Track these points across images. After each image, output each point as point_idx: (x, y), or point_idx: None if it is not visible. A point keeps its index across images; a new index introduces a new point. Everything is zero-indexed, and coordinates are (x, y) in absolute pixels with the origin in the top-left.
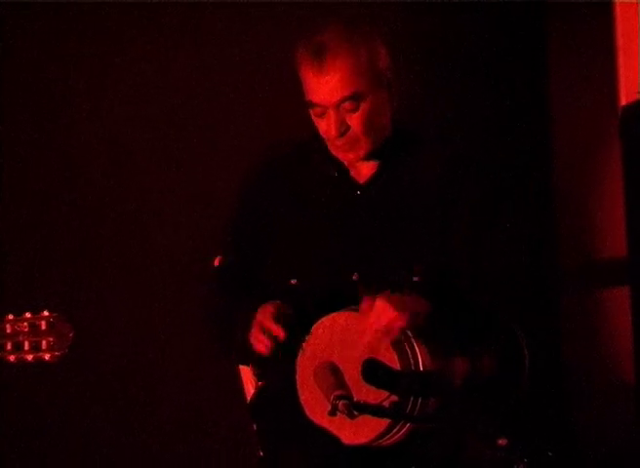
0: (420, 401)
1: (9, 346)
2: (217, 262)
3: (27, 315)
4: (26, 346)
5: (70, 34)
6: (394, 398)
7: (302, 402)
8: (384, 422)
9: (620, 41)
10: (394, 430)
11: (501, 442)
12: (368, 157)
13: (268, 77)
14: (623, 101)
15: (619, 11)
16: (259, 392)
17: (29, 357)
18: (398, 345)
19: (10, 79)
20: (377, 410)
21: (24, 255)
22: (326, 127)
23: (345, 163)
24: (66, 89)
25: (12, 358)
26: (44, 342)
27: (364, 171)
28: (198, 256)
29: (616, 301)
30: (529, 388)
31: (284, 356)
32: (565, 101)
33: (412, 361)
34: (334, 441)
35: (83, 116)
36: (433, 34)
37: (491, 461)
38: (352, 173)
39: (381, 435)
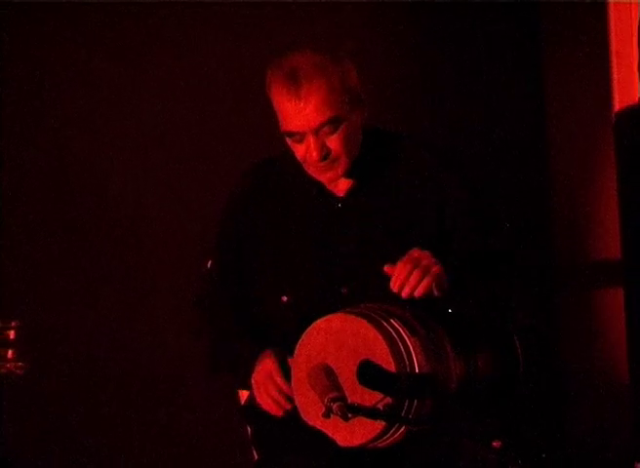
0: (415, 403)
1: None
2: (209, 265)
3: None
4: None
5: (69, 35)
6: (389, 400)
7: (297, 404)
8: (380, 424)
9: (615, 45)
10: (390, 432)
11: (496, 444)
12: (345, 175)
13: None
14: (617, 104)
15: (612, 13)
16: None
17: None
18: (393, 346)
19: (8, 80)
20: (371, 413)
21: (19, 264)
22: (305, 152)
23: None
24: (63, 93)
25: None
26: (10, 353)
27: (341, 185)
28: (191, 259)
29: (610, 303)
30: (524, 390)
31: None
32: (559, 106)
33: (407, 362)
34: (329, 443)
35: (78, 119)
36: (426, 36)
37: (485, 463)
38: (330, 186)
39: (377, 437)
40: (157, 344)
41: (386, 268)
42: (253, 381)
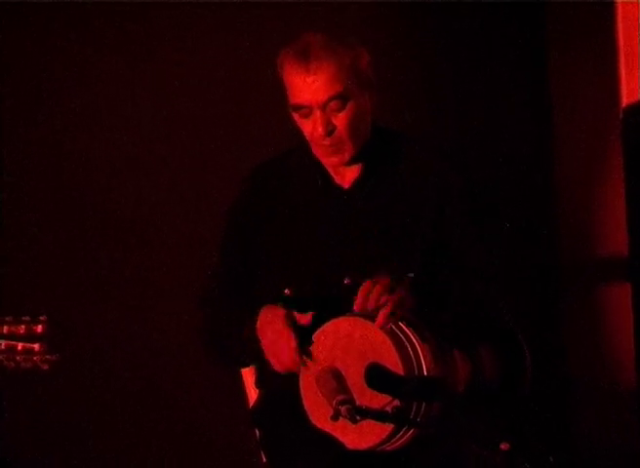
0: (423, 405)
1: (2, 346)
2: (214, 266)
3: (25, 318)
4: (19, 348)
5: (70, 35)
6: (397, 403)
7: (306, 407)
8: (388, 427)
9: (622, 42)
10: (398, 435)
11: (503, 446)
12: (351, 161)
13: (267, 83)
14: (625, 102)
15: (620, 11)
16: (261, 397)
17: (20, 358)
18: (401, 349)
19: (8, 80)
20: (379, 415)
21: (26, 260)
22: (312, 127)
23: (330, 169)
24: (63, 93)
25: (2, 358)
26: (37, 346)
27: (348, 176)
28: (198, 260)
29: (617, 299)
30: (530, 392)
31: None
32: (566, 102)
33: (415, 365)
34: (337, 446)
35: (81, 120)
36: (432, 36)
37: (493, 466)
38: (337, 179)
39: (385, 440)
40: (163, 346)
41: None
42: (263, 346)
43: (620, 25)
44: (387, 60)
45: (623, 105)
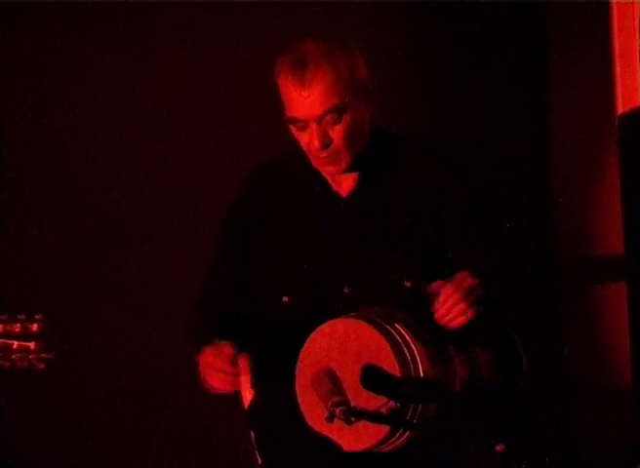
0: (419, 407)
1: None
2: (211, 268)
3: (21, 316)
4: (15, 346)
5: (70, 35)
6: (393, 404)
7: (302, 409)
8: (384, 429)
9: (618, 48)
10: (394, 437)
11: (499, 448)
12: (348, 169)
13: (267, 83)
14: (621, 104)
15: (615, 13)
16: (257, 399)
17: (15, 357)
18: (398, 351)
19: (8, 80)
20: (375, 417)
21: (26, 260)
22: (308, 140)
23: (327, 177)
24: (64, 93)
25: None
26: (32, 345)
27: (345, 183)
28: (198, 260)
29: (613, 299)
30: (527, 392)
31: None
32: (564, 103)
33: (412, 366)
34: (334, 448)
35: (81, 120)
36: (432, 36)
37: (491, 466)
38: (334, 186)
39: (381, 441)
40: (162, 346)
41: (432, 288)
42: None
43: (615, 26)
44: (387, 61)
45: (620, 107)
